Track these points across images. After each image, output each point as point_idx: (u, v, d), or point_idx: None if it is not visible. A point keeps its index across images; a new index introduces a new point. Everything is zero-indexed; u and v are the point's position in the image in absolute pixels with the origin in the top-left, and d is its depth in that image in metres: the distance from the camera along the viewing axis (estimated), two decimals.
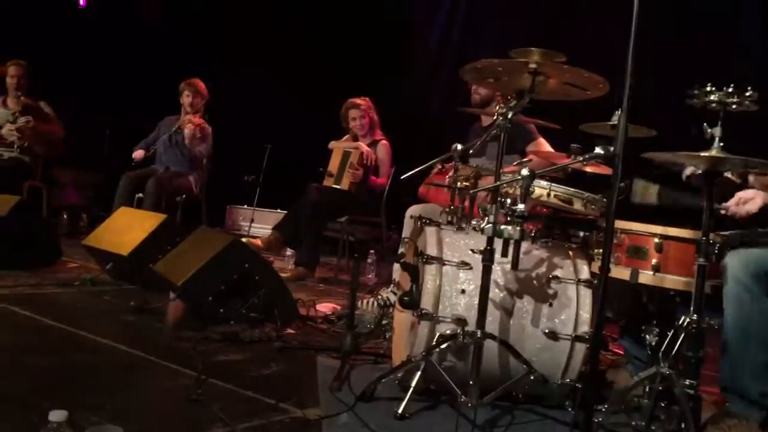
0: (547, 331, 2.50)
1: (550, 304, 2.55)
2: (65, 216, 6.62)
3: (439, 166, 3.49)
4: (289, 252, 5.42)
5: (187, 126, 5.69)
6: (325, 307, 3.90)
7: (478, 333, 2.34)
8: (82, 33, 7.51)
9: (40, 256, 4.44)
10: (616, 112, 2.46)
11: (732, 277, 2.28)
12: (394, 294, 3.58)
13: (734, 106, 2.11)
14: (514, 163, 3.01)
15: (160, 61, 7.23)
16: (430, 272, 2.53)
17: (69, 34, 7.45)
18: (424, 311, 2.47)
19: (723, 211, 2.44)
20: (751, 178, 2.54)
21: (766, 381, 2.26)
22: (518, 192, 2.40)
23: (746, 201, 2.45)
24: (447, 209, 2.98)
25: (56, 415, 1.53)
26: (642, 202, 2.78)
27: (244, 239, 4.79)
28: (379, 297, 3.68)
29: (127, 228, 4.22)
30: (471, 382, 2.29)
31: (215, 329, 3.13)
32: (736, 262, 2.28)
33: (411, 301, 2.52)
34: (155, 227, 4.06)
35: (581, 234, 2.86)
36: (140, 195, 5.56)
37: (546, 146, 4.11)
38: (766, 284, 2.25)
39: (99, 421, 1.89)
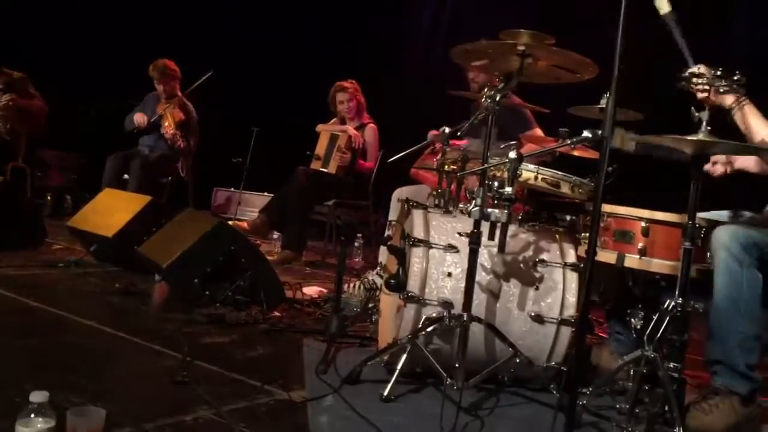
0: (533, 314, 2.51)
1: (537, 288, 2.55)
2: (49, 197, 6.55)
3: (431, 147, 3.48)
4: (275, 235, 5.40)
5: (169, 136, 5.62)
6: (311, 291, 3.89)
7: (464, 316, 2.34)
8: (67, 11, 7.39)
9: (24, 238, 4.40)
10: (605, 95, 2.45)
11: (722, 248, 2.28)
12: (380, 276, 3.58)
13: (722, 90, 2.10)
14: (501, 146, 3.00)
15: (147, 40, 7.14)
16: (416, 255, 2.52)
17: (54, 12, 7.33)
18: (410, 294, 2.46)
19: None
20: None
21: (753, 353, 2.28)
22: (506, 175, 2.40)
23: (725, 163, 2.47)
24: (434, 192, 2.97)
25: (37, 396, 1.52)
26: (619, 147, 2.76)
27: (230, 222, 4.78)
28: (365, 280, 3.67)
29: (112, 209, 4.18)
30: (457, 365, 2.29)
31: (201, 311, 3.11)
32: (725, 233, 2.30)
33: (397, 283, 2.52)
34: (140, 209, 4.02)
35: (568, 218, 2.87)
36: (127, 176, 5.51)
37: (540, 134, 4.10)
38: (756, 255, 2.26)
39: (81, 402, 1.88)
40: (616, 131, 2.64)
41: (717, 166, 2.53)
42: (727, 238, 2.28)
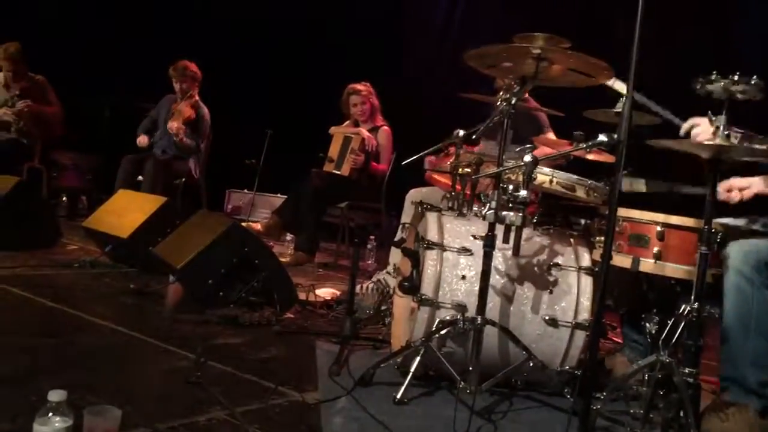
0: (547, 318, 2.50)
1: (551, 291, 2.54)
2: (64, 198, 6.60)
3: (446, 149, 3.48)
4: (288, 237, 5.41)
5: (172, 129, 5.64)
6: (324, 292, 3.89)
7: (478, 319, 2.34)
8: (81, 13, 7.44)
9: (39, 238, 4.43)
10: (621, 99, 2.44)
11: (733, 268, 2.27)
12: (390, 274, 3.59)
13: (739, 95, 2.09)
14: (516, 150, 2.99)
15: (161, 41, 7.19)
16: (430, 258, 2.52)
17: (68, 14, 7.39)
18: (424, 297, 2.46)
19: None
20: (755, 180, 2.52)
21: (765, 371, 2.26)
22: (520, 178, 2.39)
23: (741, 189, 2.44)
24: (448, 194, 2.97)
25: (55, 395, 1.53)
26: (631, 191, 2.77)
27: (243, 223, 4.79)
28: (377, 280, 3.67)
29: (126, 210, 4.21)
30: (470, 368, 2.29)
31: (214, 312, 3.12)
32: (736, 252, 2.28)
33: (411, 286, 2.52)
34: (155, 210, 4.05)
35: (583, 221, 2.86)
36: (140, 178, 5.54)
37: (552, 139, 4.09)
38: (766, 274, 2.24)
39: (97, 401, 1.89)
40: (625, 180, 2.66)
41: (733, 193, 2.50)
42: (738, 257, 2.26)
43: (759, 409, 2.25)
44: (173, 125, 5.59)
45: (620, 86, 2.65)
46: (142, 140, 5.86)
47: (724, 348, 2.31)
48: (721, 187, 2.45)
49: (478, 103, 4.27)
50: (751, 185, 2.45)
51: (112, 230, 4.06)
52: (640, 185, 2.72)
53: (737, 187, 2.46)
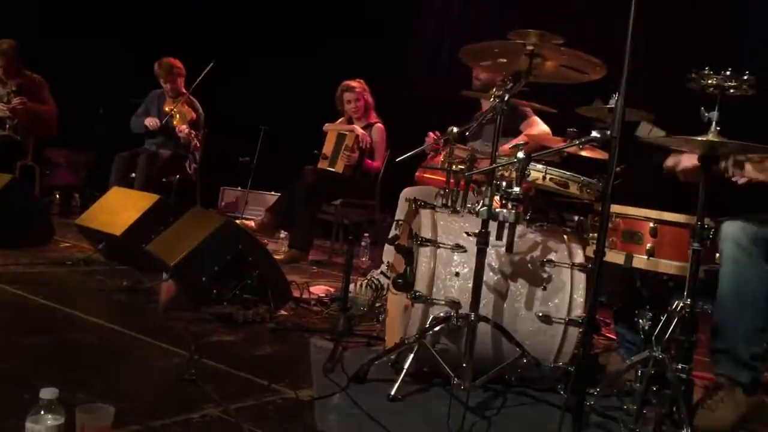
0: (540, 314, 2.50)
1: (544, 288, 2.54)
2: (58, 196, 6.58)
3: (436, 148, 3.49)
4: (282, 234, 5.41)
5: (184, 132, 5.63)
6: (318, 290, 3.89)
7: (472, 316, 2.34)
8: (75, 11, 7.42)
9: (32, 235, 4.42)
10: (614, 95, 2.44)
11: (731, 241, 2.28)
12: (384, 275, 3.59)
13: (732, 90, 2.09)
14: (509, 146, 2.99)
15: (151, 38, 7.16)
16: (424, 255, 2.52)
17: (62, 11, 7.36)
18: (417, 293, 2.46)
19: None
20: (748, 167, 2.53)
21: (757, 344, 2.29)
22: (514, 175, 2.39)
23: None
24: (442, 191, 2.97)
25: (47, 393, 1.53)
26: (648, 139, 2.73)
27: (237, 221, 4.78)
28: (371, 279, 3.67)
29: (120, 208, 4.20)
30: (464, 365, 2.29)
31: (208, 310, 3.12)
32: (734, 227, 2.30)
33: (405, 283, 2.52)
34: (148, 207, 4.04)
35: (576, 218, 2.86)
36: (134, 175, 5.53)
37: (540, 124, 4.10)
38: (764, 248, 2.26)
39: (90, 399, 1.88)
40: (644, 125, 2.64)
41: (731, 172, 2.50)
42: (735, 230, 2.29)
43: (748, 381, 2.27)
44: (184, 129, 5.62)
45: (656, 132, 2.65)
46: (153, 121, 5.79)
47: (718, 320, 2.32)
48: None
49: (472, 99, 4.28)
50: (744, 171, 2.46)
51: (105, 228, 4.04)
52: (659, 132, 2.68)
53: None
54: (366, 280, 3.72)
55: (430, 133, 4.01)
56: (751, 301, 2.25)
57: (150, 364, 2.47)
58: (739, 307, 2.26)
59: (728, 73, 2.08)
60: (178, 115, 5.72)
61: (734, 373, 2.28)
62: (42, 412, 1.52)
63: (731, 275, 2.28)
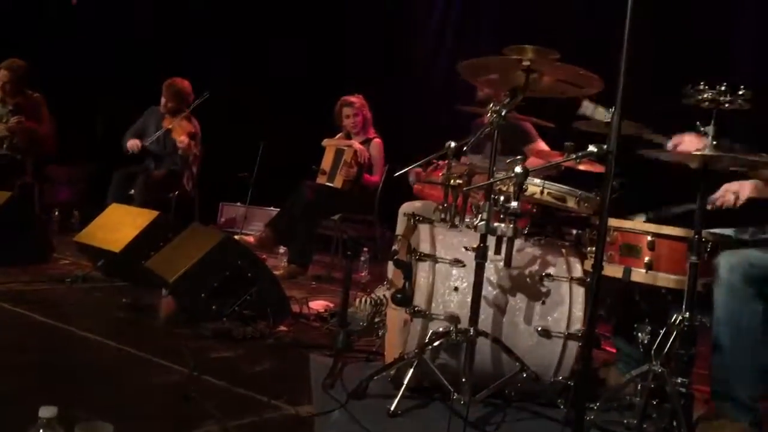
0: (539, 328, 2.50)
1: (543, 302, 2.55)
2: (57, 213, 6.58)
3: (435, 163, 3.50)
4: (281, 249, 5.40)
5: (184, 144, 5.64)
6: (317, 305, 3.88)
7: (471, 330, 2.34)
8: (73, 28, 7.46)
9: (31, 253, 4.42)
10: (610, 109, 2.46)
11: (722, 280, 2.27)
12: (389, 292, 3.58)
13: (727, 105, 2.11)
14: (507, 161, 3.01)
15: (152, 53, 7.20)
16: (423, 269, 2.53)
17: (60, 29, 7.41)
18: (416, 309, 2.46)
19: (709, 206, 2.43)
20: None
21: (755, 384, 2.26)
22: (511, 190, 2.40)
23: (735, 192, 2.46)
24: (440, 206, 2.98)
25: (46, 411, 1.52)
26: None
27: (236, 237, 4.78)
28: (374, 296, 3.67)
29: (119, 225, 4.20)
30: (463, 380, 2.29)
31: (207, 326, 3.11)
32: (726, 263, 2.28)
33: (404, 298, 2.52)
34: (147, 224, 4.04)
35: (574, 232, 2.87)
36: (133, 192, 5.53)
37: (544, 148, 4.11)
38: (756, 287, 2.24)
39: (89, 417, 1.87)
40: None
41: (728, 195, 2.51)
42: (727, 268, 2.26)
43: (749, 421, 2.25)
44: (184, 140, 5.61)
45: (598, 112, 2.66)
46: (134, 144, 5.80)
47: (714, 363, 2.31)
48: (718, 194, 2.47)
49: (470, 115, 4.30)
50: (743, 187, 2.47)
51: (104, 244, 4.05)
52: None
53: (732, 191, 2.47)
54: (366, 296, 3.72)
55: (416, 169, 4.00)
56: (745, 342, 2.24)
57: (149, 381, 2.46)
58: (733, 348, 2.25)
59: (723, 87, 2.10)
60: (178, 128, 5.72)
61: (734, 416, 2.26)
62: (41, 431, 1.52)
63: (724, 317, 2.26)
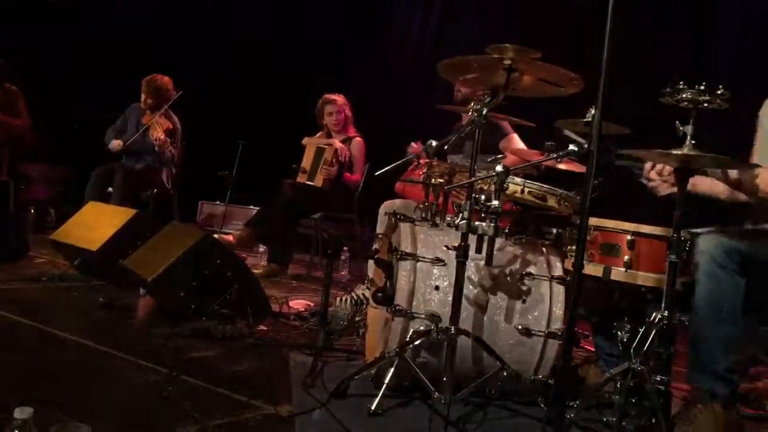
0: (520, 327, 2.51)
1: (524, 301, 2.55)
2: (33, 211, 6.49)
3: (416, 162, 3.49)
4: (261, 248, 5.38)
5: (160, 140, 5.58)
6: (297, 304, 3.87)
7: (452, 329, 2.34)
8: (52, 27, 7.36)
9: (7, 252, 4.36)
10: (590, 109, 2.47)
11: (705, 253, 2.30)
12: (369, 291, 3.57)
13: (706, 104, 2.13)
14: (488, 160, 3.01)
15: (131, 54, 7.13)
16: (404, 268, 2.52)
17: (39, 28, 7.31)
18: (397, 307, 2.46)
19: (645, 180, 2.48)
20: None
21: (733, 356, 2.30)
22: (492, 188, 2.41)
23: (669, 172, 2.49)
24: (421, 205, 2.98)
25: (21, 413, 1.50)
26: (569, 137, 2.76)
27: (216, 235, 4.75)
28: (354, 295, 3.66)
29: (96, 223, 4.15)
30: (444, 378, 2.29)
31: (186, 325, 3.08)
32: (708, 241, 2.32)
33: (385, 297, 2.51)
34: (125, 222, 3.99)
35: (554, 231, 2.88)
36: (111, 189, 5.47)
37: (518, 142, 4.13)
38: (738, 261, 2.28)
39: (66, 418, 1.85)
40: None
41: (664, 185, 2.55)
42: (709, 244, 2.30)
43: (725, 394, 2.28)
44: (160, 137, 5.54)
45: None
46: (117, 144, 5.74)
47: (694, 334, 2.33)
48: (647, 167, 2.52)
49: (451, 115, 4.31)
50: (697, 185, 2.51)
51: (81, 243, 3.99)
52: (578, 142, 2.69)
53: (671, 182, 2.50)
54: (347, 295, 3.71)
55: (413, 144, 4.02)
56: (727, 314, 2.27)
57: (127, 381, 2.43)
58: (714, 320, 2.28)
59: (702, 87, 2.11)
60: (157, 125, 5.67)
61: (711, 387, 2.29)
62: None
63: (707, 289, 2.29)
